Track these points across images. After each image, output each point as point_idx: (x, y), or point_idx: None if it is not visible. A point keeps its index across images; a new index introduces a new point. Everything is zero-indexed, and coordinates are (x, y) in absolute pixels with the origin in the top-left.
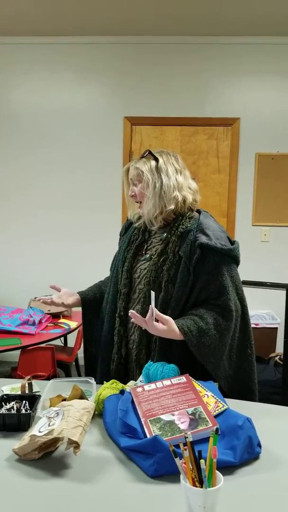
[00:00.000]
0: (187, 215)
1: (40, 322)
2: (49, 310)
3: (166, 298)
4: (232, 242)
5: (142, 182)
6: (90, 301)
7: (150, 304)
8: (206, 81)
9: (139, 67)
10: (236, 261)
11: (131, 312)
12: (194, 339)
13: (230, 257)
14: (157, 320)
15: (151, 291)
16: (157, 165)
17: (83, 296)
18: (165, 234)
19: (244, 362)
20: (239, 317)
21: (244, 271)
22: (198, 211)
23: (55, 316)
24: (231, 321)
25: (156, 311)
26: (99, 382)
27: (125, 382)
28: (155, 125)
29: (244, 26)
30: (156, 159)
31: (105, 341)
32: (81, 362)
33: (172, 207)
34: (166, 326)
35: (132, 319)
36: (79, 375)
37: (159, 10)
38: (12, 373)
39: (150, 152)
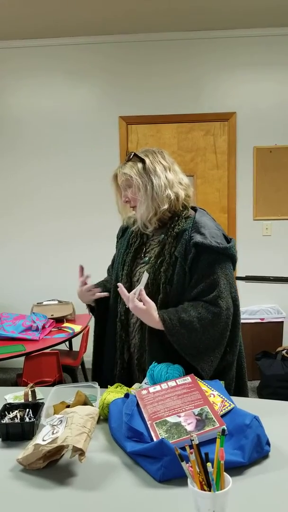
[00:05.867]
0: (183, 214)
1: (43, 327)
2: (52, 315)
3: (165, 300)
4: (229, 240)
5: (132, 187)
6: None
7: (140, 284)
8: (200, 76)
9: (131, 66)
10: (232, 260)
11: (119, 284)
12: (172, 328)
13: (225, 255)
14: (140, 300)
15: (145, 272)
16: (144, 166)
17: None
18: (162, 236)
19: (225, 364)
20: (231, 316)
21: (247, 266)
22: (195, 209)
23: (59, 320)
24: (219, 318)
25: (143, 292)
26: (104, 387)
27: (129, 387)
28: (150, 124)
29: (235, 19)
30: (143, 160)
31: (108, 347)
32: (87, 365)
33: (166, 206)
34: (145, 306)
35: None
36: (86, 379)
37: (147, 7)
38: (17, 380)
39: (135, 154)
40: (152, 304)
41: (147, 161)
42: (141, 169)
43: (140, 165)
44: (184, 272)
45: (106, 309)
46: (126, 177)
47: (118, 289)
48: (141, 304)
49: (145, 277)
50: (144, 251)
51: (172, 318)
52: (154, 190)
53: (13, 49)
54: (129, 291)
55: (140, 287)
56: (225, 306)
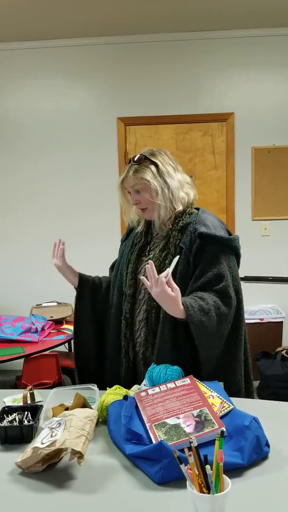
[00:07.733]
0: (187, 211)
1: (42, 329)
2: (51, 317)
3: None
4: (231, 235)
5: (150, 191)
6: (87, 281)
7: (169, 267)
8: (198, 77)
9: (129, 67)
10: (236, 253)
11: (150, 262)
12: (195, 316)
13: (229, 247)
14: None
15: (177, 256)
16: (158, 169)
17: (81, 274)
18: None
19: (232, 360)
20: (234, 308)
21: (246, 267)
22: (197, 209)
23: (58, 322)
24: (230, 309)
25: (170, 277)
26: (109, 387)
27: (134, 385)
28: (149, 125)
29: (232, 20)
30: (154, 163)
31: (112, 347)
32: None
33: (181, 208)
34: (174, 293)
35: (142, 277)
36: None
37: (145, 8)
38: (17, 382)
39: (145, 158)
40: (179, 291)
41: (159, 163)
42: (155, 172)
43: (153, 168)
44: (188, 263)
45: (91, 293)
46: (143, 181)
47: (148, 266)
48: (170, 290)
49: (175, 260)
50: (148, 249)
51: (194, 306)
52: (170, 192)
53: (12, 51)
54: (134, 288)
55: (169, 270)
56: (234, 296)
